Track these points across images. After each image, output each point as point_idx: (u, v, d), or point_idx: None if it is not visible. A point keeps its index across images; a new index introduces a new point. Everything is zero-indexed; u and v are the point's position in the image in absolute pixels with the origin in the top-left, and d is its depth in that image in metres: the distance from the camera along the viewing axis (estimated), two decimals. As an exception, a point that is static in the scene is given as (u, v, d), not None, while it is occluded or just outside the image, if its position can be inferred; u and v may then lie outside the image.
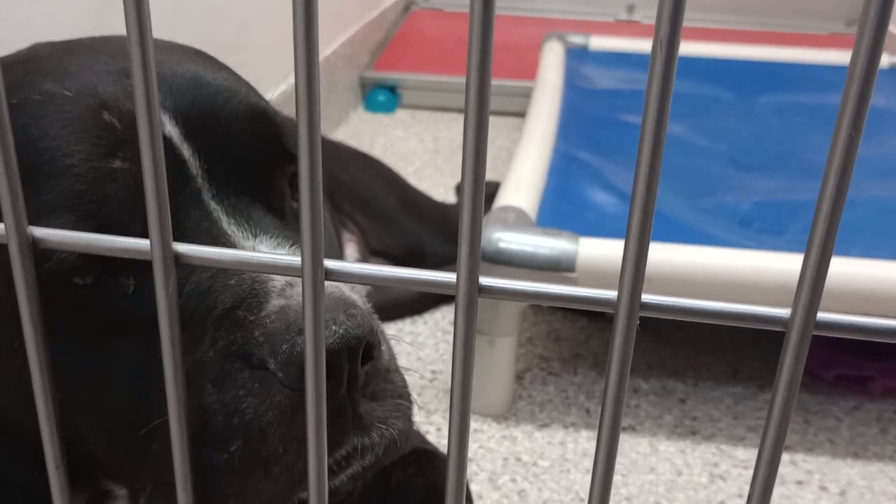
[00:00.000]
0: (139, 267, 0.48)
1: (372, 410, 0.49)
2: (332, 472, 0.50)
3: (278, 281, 0.48)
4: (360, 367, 0.47)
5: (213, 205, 0.51)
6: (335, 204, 1.28)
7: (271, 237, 0.52)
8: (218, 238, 0.50)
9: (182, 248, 0.31)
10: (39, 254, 0.33)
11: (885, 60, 1.78)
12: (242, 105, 0.54)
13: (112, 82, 0.52)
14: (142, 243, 0.31)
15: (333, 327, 0.45)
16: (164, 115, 0.51)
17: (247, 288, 0.48)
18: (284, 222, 0.55)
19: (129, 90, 0.51)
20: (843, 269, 0.97)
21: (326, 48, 1.96)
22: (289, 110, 0.57)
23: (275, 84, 1.85)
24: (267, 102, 0.58)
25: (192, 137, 0.52)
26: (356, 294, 0.51)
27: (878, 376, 1.18)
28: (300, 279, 0.47)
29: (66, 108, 0.50)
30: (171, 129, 0.51)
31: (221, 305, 0.48)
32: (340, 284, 0.49)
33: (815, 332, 0.27)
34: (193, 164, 0.51)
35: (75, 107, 0.50)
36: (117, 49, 0.55)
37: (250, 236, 0.51)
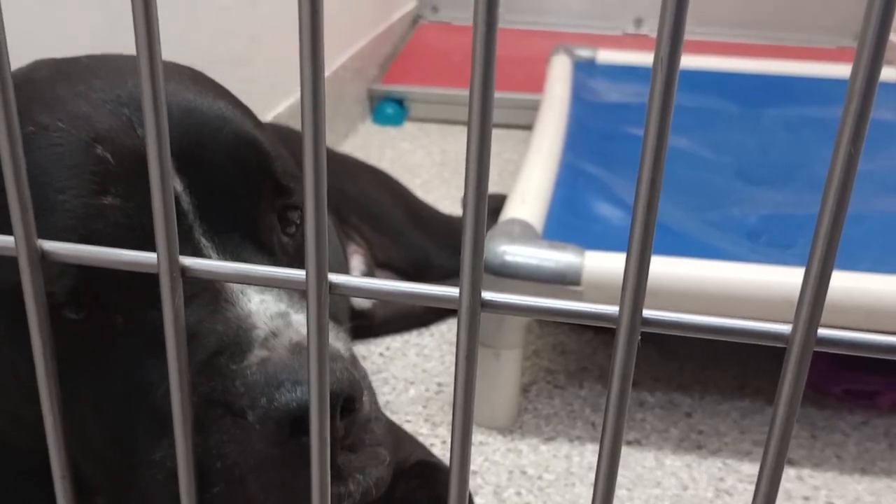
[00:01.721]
0: (130, 304, 0.49)
1: (350, 461, 0.49)
2: None
3: (262, 330, 0.48)
4: (338, 421, 0.47)
5: (203, 241, 0.51)
6: (342, 216, 1.28)
7: None
8: (204, 279, 0.50)
9: (188, 261, 0.31)
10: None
11: (893, 74, 1.78)
12: (231, 135, 0.54)
13: (107, 113, 0.51)
14: (149, 256, 0.32)
15: None
16: None
17: (231, 335, 0.48)
18: (273, 259, 0.55)
19: (124, 121, 0.51)
20: (849, 284, 0.97)
21: (335, 61, 1.97)
22: (297, 123, 0.57)
23: (283, 97, 1.87)
24: (261, 130, 0.57)
25: (183, 171, 0.51)
26: (340, 341, 0.51)
27: (885, 391, 1.17)
28: (283, 330, 0.48)
29: (59, 142, 0.49)
30: None
31: (206, 350, 0.48)
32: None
33: (816, 349, 0.27)
34: (185, 200, 0.51)
35: (68, 140, 0.49)
36: (113, 72, 0.54)
37: None
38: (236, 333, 0.47)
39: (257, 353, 0.47)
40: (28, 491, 0.57)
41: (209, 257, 0.50)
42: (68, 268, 0.46)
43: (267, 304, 0.49)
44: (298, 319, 0.49)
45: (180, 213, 0.50)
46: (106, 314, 0.49)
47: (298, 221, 0.57)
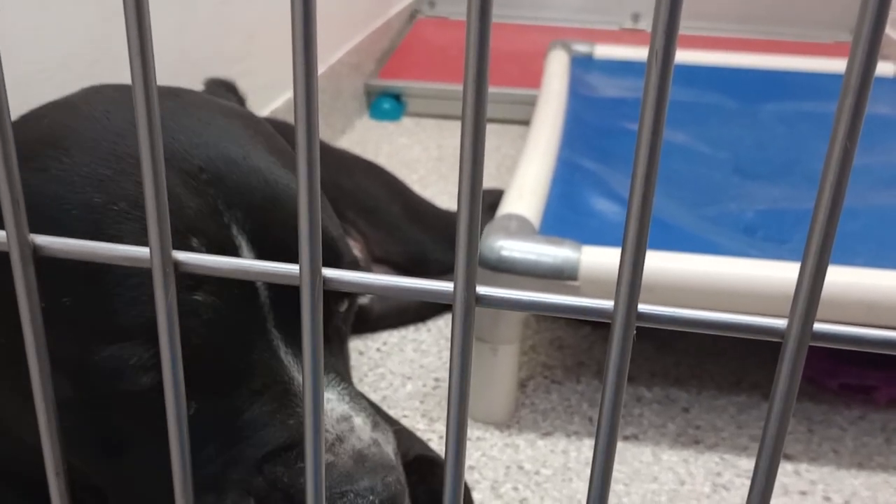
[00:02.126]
0: (204, 393, 0.50)
1: None
2: None
3: (331, 434, 0.50)
4: None
5: (274, 332, 0.51)
6: (338, 211, 1.28)
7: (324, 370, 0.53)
8: (276, 368, 0.51)
9: (182, 256, 0.31)
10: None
11: (890, 69, 1.78)
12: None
13: (193, 192, 0.50)
14: (141, 251, 0.31)
15: (371, 497, 0.48)
16: (241, 237, 0.50)
17: (302, 433, 0.50)
18: (330, 348, 0.57)
19: (210, 204, 0.50)
20: (846, 279, 0.97)
21: (332, 56, 1.97)
22: (291, 119, 0.58)
23: (280, 92, 1.86)
24: (336, 225, 0.58)
25: (256, 245, 0.51)
26: (390, 446, 0.54)
27: (883, 386, 1.18)
28: (348, 436, 0.51)
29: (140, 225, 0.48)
30: (248, 255, 0.50)
31: (275, 441, 0.50)
32: (380, 438, 0.52)
33: (812, 343, 0.27)
34: (263, 293, 0.51)
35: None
36: (187, 127, 0.53)
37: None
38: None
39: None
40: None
41: (277, 349, 0.51)
42: (149, 367, 0.48)
43: (332, 404, 0.52)
44: (359, 424, 0.52)
45: (258, 306, 0.50)
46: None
47: (347, 301, 0.59)
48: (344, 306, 0.59)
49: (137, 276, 0.47)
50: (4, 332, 0.50)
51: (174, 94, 0.58)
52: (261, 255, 0.51)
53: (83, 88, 0.60)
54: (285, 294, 0.51)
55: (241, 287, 0.49)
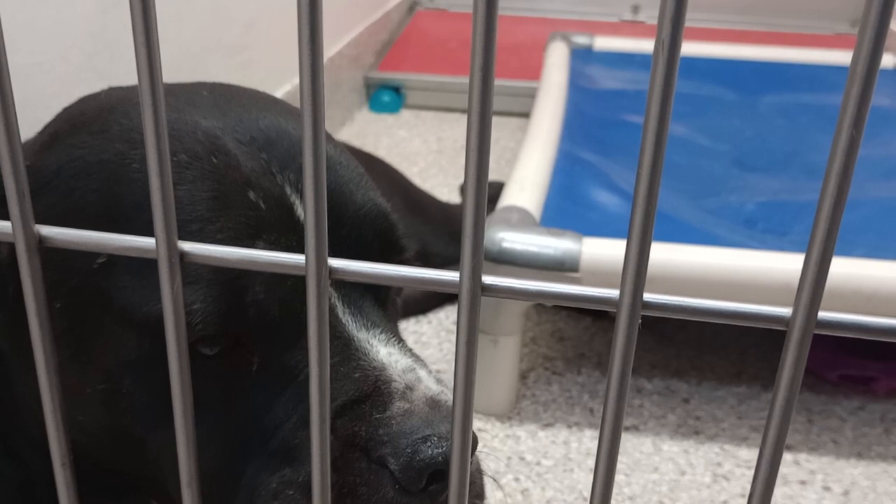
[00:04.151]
0: (268, 346, 0.50)
1: None
2: None
3: (399, 383, 0.50)
4: None
5: (332, 292, 0.52)
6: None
7: (381, 331, 0.53)
8: (335, 327, 0.51)
9: (187, 246, 0.31)
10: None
11: (890, 61, 1.78)
12: (370, 202, 0.56)
13: (248, 156, 0.52)
14: (148, 241, 0.31)
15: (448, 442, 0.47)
16: (295, 196, 0.52)
17: (371, 384, 0.50)
18: (386, 313, 0.57)
19: (263, 165, 0.52)
20: (846, 270, 0.97)
21: (331, 49, 1.96)
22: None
23: (280, 84, 1.86)
24: (382, 198, 0.60)
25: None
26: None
27: (882, 377, 1.18)
28: (417, 384, 0.51)
29: (214, 178, 0.50)
30: (301, 213, 0.52)
31: (344, 395, 0.50)
32: (446, 390, 0.52)
33: (817, 331, 0.27)
34: None
35: (223, 180, 0.50)
36: (241, 108, 0.55)
37: (363, 328, 0.53)
38: (375, 384, 0.50)
39: (399, 405, 0.49)
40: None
41: (335, 308, 0.52)
42: (211, 312, 0.48)
43: (395, 357, 0.52)
44: (425, 375, 0.52)
45: None
46: (241, 352, 0.50)
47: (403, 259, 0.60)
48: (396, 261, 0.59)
49: (198, 222, 0.48)
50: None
51: (214, 85, 0.60)
52: None
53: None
54: (344, 258, 0.53)
55: (301, 243, 0.49)
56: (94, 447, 0.54)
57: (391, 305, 0.58)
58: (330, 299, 0.52)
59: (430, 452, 0.47)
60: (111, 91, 0.59)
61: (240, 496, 0.51)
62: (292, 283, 0.49)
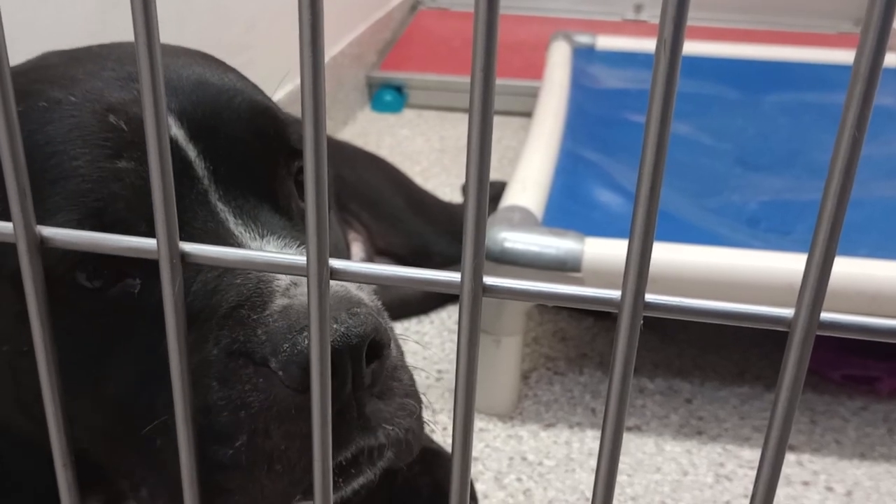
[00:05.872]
0: (146, 267, 0.48)
1: (379, 410, 0.49)
2: (343, 477, 0.50)
3: (283, 280, 0.48)
4: (364, 366, 0.46)
5: (220, 206, 0.51)
6: (342, 203, 1.28)
7: (278, 238, 0.52)
8: (225, 239, 0.50)
9: (188, 247, 0.31)
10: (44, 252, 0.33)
11: (893, 60, 1.77)
12: (245, 103, 0.55)
13: (118, 87, 0.52)
14: (149, 242, 0.31)
15: (335, 325, 0.44)
16: (169, 116, 0.52)
17: (252, 287, 0.48)
18: (292, 223, 0.55)
19: (135, 95, 0.52)
20: (849, 270, 0.97)
21: (333, 48, 1.96)
22: (295, 110, 0.58)
23: (281, 83, 1.85)
24: (271, 101, 0.59)
25: (197, 138, 0.52)
26: (363, 292, 0.51)
27: (885, 377, 1.18)
28: (305, 279, 0.48)
29: (72, 114, 0.50)
30: (177, 131, 0.52)
31: (226, 304, 0.48)
32: (346, 283, 0.49)
33: (819, 332, 0.27)
34: (199, 166, 0.51)
35: (81, 112, 0.50)
36: (124, 55, 0.56)
37: (257, 237, 0.51)
38: (256, 286, 0.48)
39: (279, 302, 0.47)
40: (38, 471, 0.57)
41: (226, 221, 0.51)
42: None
43: (286, 255, 0.49)
44: None
45: (195, 179, 0.51)
46: (123, 279, 0.49)
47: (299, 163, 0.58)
48: (295, 168, 0.57)
49: (57, 156, 0.48)
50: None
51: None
52: (191, 134, 0.52)
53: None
54: (228, 169, 0.52)
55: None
56: (28, 424, 0.53)
57: (297, 216, 0.56)
58: (220, 213, 0.51)
59: (306, 343, 0.42)
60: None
61: (144, 431, 0.49)
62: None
